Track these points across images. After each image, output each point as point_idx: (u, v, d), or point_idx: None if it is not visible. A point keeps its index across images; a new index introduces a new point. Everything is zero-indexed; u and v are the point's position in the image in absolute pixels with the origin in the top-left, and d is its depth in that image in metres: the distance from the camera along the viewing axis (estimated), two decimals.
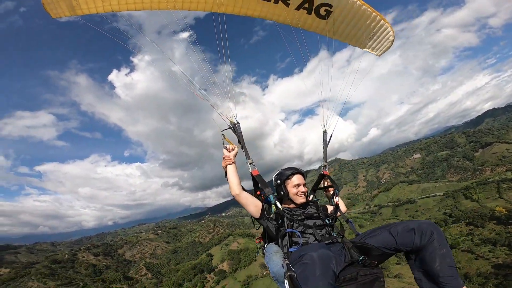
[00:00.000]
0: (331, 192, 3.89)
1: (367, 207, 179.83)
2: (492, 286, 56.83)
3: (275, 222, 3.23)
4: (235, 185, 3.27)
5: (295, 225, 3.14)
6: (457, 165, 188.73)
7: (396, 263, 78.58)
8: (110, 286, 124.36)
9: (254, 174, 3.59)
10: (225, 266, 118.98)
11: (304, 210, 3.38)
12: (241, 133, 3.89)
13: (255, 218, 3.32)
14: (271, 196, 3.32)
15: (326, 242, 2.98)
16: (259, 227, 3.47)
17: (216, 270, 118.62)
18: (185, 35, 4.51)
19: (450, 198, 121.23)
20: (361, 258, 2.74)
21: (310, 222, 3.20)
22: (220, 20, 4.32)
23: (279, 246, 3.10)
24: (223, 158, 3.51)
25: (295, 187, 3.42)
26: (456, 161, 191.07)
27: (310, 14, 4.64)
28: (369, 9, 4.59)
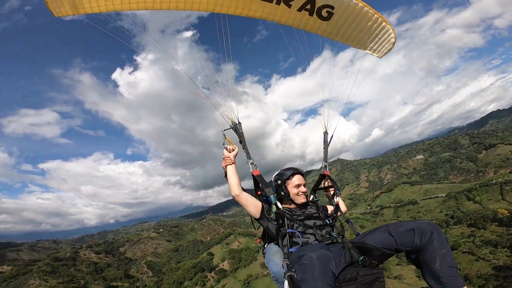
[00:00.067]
0: (332, 192, 3.89)
1: (368, 207, 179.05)
2: None
3: (275, 222, 3.23)
4: (235, 185, 3.28)
5: (295, 225, 3.15)
6: (460, 166, 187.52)
7: (397, 264, 78.32)
8: (111, 284, 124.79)
9: (255, 174, 3.59)
10: (225, 265, 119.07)
11: (304, 210, 3.39)
12: (242, 133, 3.89)
13: (255, 219, 3.32)
14: (272, 196, 3.33)
15: (326, 242, 2.98)
16: (258, 227, 3.48)
17: (216, 269, 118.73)
18: (188, 34, 4.52)
19: (452, 200, 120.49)
20: (361, 258, 2.73)
21: (310, 222, 3.20)
22: (222, 21, 4.31)
23: (279, 246, 3.12)
24: (223, 158, 3.51)
25: (296, 187, 3.43)
26: (459, 163, 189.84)
27: (312, 15, 4.63)
28: (371, 10, 4.58)
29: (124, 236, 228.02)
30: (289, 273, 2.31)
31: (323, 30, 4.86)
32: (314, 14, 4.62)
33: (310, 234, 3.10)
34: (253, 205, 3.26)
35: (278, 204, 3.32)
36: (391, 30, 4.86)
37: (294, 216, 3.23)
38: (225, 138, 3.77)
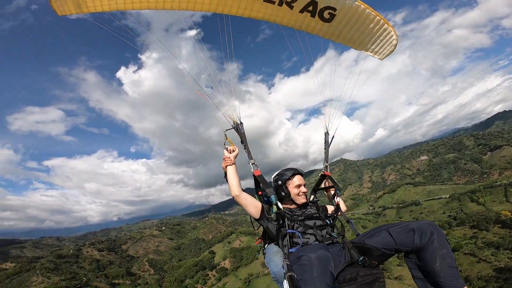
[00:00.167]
0: (333, 193, 3.89)
1: (371, 208, 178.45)
2: None
3: (275, 223, 3.24)
4: (234, 186, 3.29)
5: (296, 225, 3.15)
6: (464, 167, 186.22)
7: (398, 265, 77.96)
8: (113, 281, 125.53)
9: (256, 175, 3.59)
10: (227, 263, 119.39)
11: (304, 210, 3.40)
12: (244, 133, 3.89)
13: (255, 219, 3.33)
14: (272, 197, 3.33)
15: (326, 242, 2.99)
16: (258, 228, 3.49)
17: (218, 267, 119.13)
18: (191, 33, 4.56)
19: (456, 201, 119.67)
20: (361, 258, 2.73)
21: (310, 223, 3.21)
22: (225, 21, 4.33)
23: (279, 246, 3.13)
24: (224, 159, 3.53)
25: (297, 187, 3.44)
26: (464, 164, 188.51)
27: (314, 17, 4.64)
28: (373, 12, 4.58)
29: (127, 233, 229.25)
30: (289, 273, 2.32)
31: (324, 32, 4.86)
32: (316, 16, 4.62)
33: (310, 234, 3.11)
34: (253, 206, 3.27)
35: (279, 204, 3.32)
36: (392, 32, 4.85)
37: (295, 216, 3.24)
38: (226, 139, 3.78)
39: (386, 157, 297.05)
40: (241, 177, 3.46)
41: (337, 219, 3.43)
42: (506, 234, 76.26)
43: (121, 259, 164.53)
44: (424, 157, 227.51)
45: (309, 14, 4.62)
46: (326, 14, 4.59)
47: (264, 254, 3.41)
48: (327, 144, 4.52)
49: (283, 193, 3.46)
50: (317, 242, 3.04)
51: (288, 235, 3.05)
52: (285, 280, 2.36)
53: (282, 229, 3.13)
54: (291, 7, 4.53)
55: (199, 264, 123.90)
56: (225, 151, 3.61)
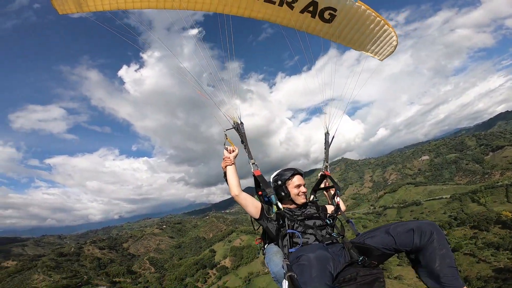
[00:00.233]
0: (332, 193, 3.89)
1: (371, 207, 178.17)
2: None
3: (275, 223, 3.25)
4: (234, 186, 3.30)
5: (296, 225, 3.16)
6: (466, 168, 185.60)
7: (398, 265, 77.93)
8: (114, 279, 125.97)
9: (256, 175, 3.60)
10: (227, 262, 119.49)
11: (304, 210, 3.40)
12: (244, 133, 3.90)
13: (255, 219, 3.33)
14: (272, 197, 3.33)
15: (326, 242, 3.00)
16: (258, 228, 3.49)
17: (218, 266, 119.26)
18: (193, 32, 4.53)
19: (457, 201, 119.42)
20: (360, 258, 2.74)
21: (310, 222, 3.21)
22: (225, 20, 4.32)
23: (279, 246, 3.14)
24: (223, 159, 3.54)
25: (296, 187, 3.45)
26: (465, 164, 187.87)
27: (314, 17, 4.63)
28: (373, 13, 4.57)
29: (128, 232, 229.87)
30: (289, 274, 2.31)
31: (325, 32, 4.85)
32: (317, 16, 4.61)
33: (310, 234, 3.11)
34: (253, 205, 3.27)
35: (279, 204, 3.33)
36: (393, 33, 4.85)
37: (294, 216, 3.24)
38: (226, 138, 3.79)
39: (387, 157, 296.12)
40: (241, 176, 3.46)
41: (337, 219, 3.43)
42: (506, 235, 76.18)
43: (122, 257, 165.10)
44: (425, 157, 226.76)
45: (310, 14, 4.61)
46: (326, 15, 4.58)
47: (264, 254, 3.42)
48: (327, 144, 4.51)
49: (282, 193, 3.46)
50: (317, 242, 3.04)
51: (288, 235, 3.05)
52: (284, 280, 2.36)
53: (282, 229, 3.14)
54: (292, 8, 4.52)
55: (199, 262, 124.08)
56: (225, 151, 3.62)
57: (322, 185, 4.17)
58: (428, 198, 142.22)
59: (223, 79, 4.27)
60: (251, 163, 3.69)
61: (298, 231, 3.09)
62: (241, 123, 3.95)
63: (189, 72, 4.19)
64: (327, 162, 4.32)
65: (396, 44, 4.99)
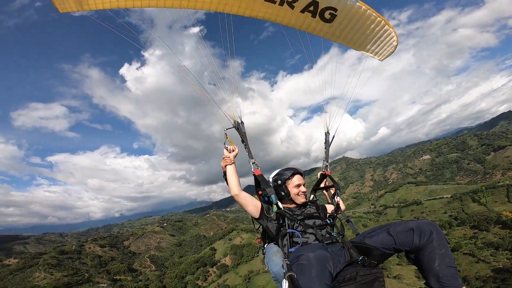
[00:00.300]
0: (332, 192, 3.89)
1: (372, 207, 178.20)
2: None
3: (275, 222, 3.25)
4: (234, 185, 3.30)
5: (296, 225, 3.16)
6: (467, 167, 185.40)
7: (397, 264, 78.00)
8: (115, 277, 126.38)
9: (256, 174, 3.59)
10: (227, 260, 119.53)
11: (303, 210, 3.41)
12: (244, 132, 3.89)
13: (255, 218, 3.34)
14: (273, 196, 3.32)
15: (326, 242, 3.00)
16: (259, 227, 3.50)
17: (218, 264, 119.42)
18: (194, 30, 4.52)
19: (457, 201, 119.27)
20: (360, 258, 2.75)
21: (310, 222, 3.22)
22: (226, 19, 4.30)
23: (278, 246, 3.13)
24: (223, 158, 3.53)
25: (296, 187, 3.45)
26: (467, 164, 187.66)
27: (315, 17, 4.62)
28: (374, 13, 4.56)
29: (129, 230, 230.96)
30: (289, 273, 2.31)
31: (325, 32, 4.83)
32: (317, 16, 4.60)
33: (310, 233, 3.12)
34: (253, 205, 3.27)
35: (279, 203, 3.32)
36: (393, 34, 4.84)
37: (294, 216, 3.25)
38: (226, 138, 3.78)
39: (388, 156, 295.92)
40: (241, 175, 3.46)
41: (337, 219, 3.43)
42: (506, 235, 76.22)
43: (123, 255, 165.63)
44: (426, 157, 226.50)
45: (310, 14, 4.59)
46: (327, 15, 4.57)
47: (263, 253, 3.42)
48: (327, 144, 4.51)
49: (282, 193, 3.47)
50: (316, 242, 3.04)
51: (288, 234, 3.06)
52: (284, 280, 2.37)
53: (282, 228, 3.15)
54: (292, 7, 4.51)
55: (200, 260, 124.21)
56: (225, 151, 3.62)
57: (322, 185, 4.16)
58: (429, 198, 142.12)
59: (224, 77, 4.25)
60: (251, 163, 3.68)
61: (298, 231, 3.09)
62: (242, 122, 3.94)
63: (190, 71, 4.17)
64: (327, 162, 4.31)
65: (397, 45, 4.98)
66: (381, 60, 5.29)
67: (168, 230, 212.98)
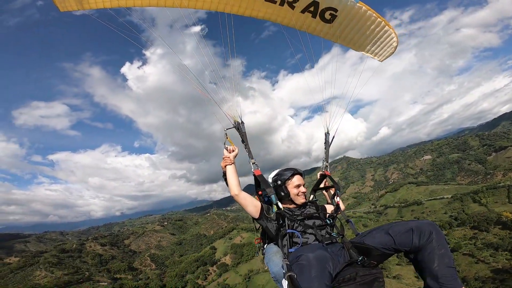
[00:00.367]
0: (332, 192, 3.89)
1: (372, 206, 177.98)
2: None
3: (275, 222, 3.25)
4: (234, 186, 3.30)
5: (295, 225, 3.16)
6: (468, 168, 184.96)
7: (397, 264, 77.99)
8: (115, 276, 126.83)
9: (256, 174, 3.59)
10: (227, 259, 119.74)
11: (303, 210, 3.41)
12: (245, 132, 3.88)
13: (254, 218, 3.33)
14: (273, 196, 3.32)
15: (326, 242, 3.00)
16: (259, 227, 3.50)
17: (218, 263, 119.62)
18: (195, 29, 4.52)
19: (458, 201, 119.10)
20: (360, 258, 2.75)
21: (309, 222, 3.22)
22: (227, 19, 4.30)
23: (278, 246, 3.13)
24: (223, 158, 3.53)
25: (296, 187, 3.44)
26: (468, 164, 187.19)
27: (315, 17, 4.62)
28: (374, 14, 4.56)
29: (129, 228, 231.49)
30: (289, 274, 2.32)
31: (325, 33, 4.84)
32: (317, 16, 4.59)
33: (310, 234, 3.11)
34: (252, 205, 3.27)
35: (279, 204, 3.32)
36: (393, 34, 4.83)
37: (294, 216, 3.24)
38: (227, 138, 3.77)
39: (389, 156, 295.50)
40: (240, 175, 3.46)
41: (337, 219, 3.42)
42: (506, 236, 76.12)
43: (123, 254, 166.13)
44: (427, 157, 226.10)
45: (310, 14, 4.59)
46: (327, 15, 4.57)
47: (263, 253, 3.42)
48: (327, 144, 4.51)
49: (282, 193, 3.46)
50: (316, 242, 3.04)
51: (287, 234, 3.06)
52: (284, 280, 2.37)
53: (281, 228, 3.14)
54: (293, 7, 4.51)
55: (200, 259, 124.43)
56: (225, 151, 3.61)
57: (322, 185, 4.15)
58: (429, 198, 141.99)
59: (224, 76, 4.24)
60: (251, 163, 3.68)
61: (297, 231, 3.08)
62: (242, 122, 3.93)
63: (190, 70, 4.17)
64: (327, 162, 4.31)
65: (396, 45, 4.98)
66: (381, 61, 5.29)
67: (169, 229, 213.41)
